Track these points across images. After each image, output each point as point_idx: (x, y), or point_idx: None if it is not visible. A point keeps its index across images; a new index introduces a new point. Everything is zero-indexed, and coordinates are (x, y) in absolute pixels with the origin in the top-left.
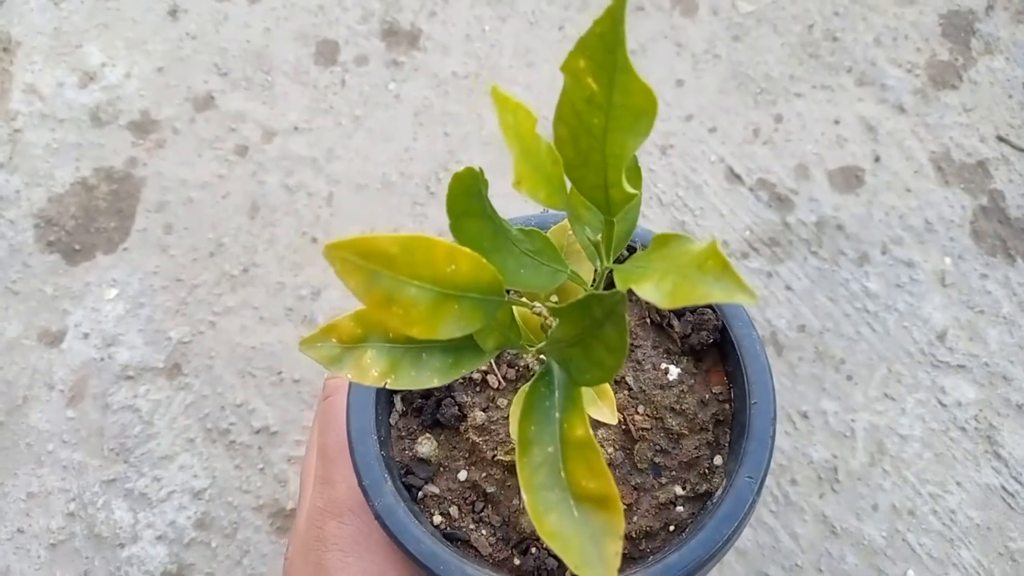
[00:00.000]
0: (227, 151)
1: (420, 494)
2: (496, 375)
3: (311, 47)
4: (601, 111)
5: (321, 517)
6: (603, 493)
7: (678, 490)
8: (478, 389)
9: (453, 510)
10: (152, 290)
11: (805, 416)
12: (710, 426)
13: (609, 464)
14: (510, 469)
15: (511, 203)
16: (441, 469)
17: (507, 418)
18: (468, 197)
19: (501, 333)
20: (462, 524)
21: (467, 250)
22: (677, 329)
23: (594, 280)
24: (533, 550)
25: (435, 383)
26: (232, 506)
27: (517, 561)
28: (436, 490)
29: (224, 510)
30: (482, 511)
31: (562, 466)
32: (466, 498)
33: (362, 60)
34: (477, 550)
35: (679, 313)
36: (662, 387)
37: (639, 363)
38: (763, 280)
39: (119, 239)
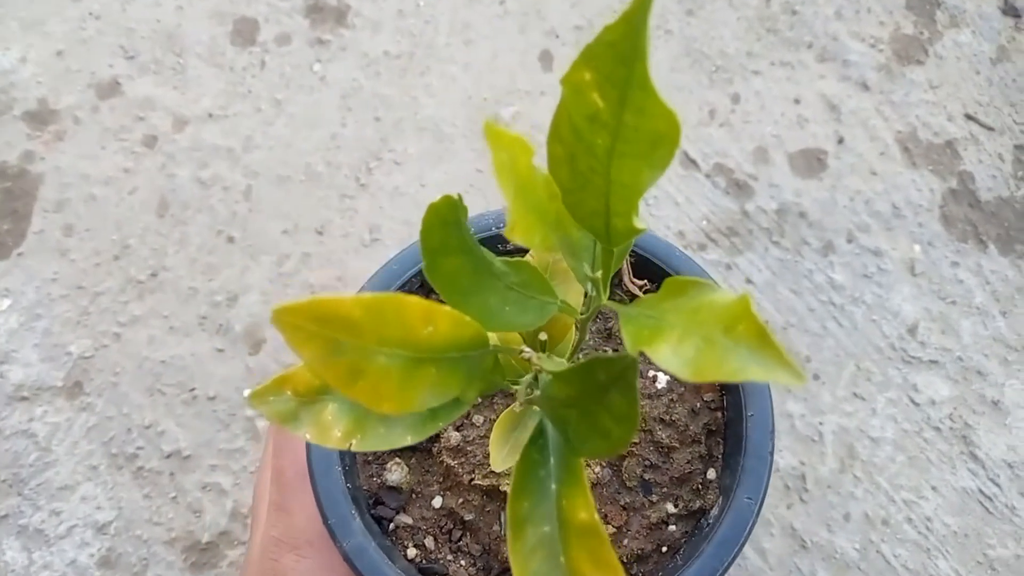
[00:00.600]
0: (134, 142)
1: (392, 526)
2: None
3: (227, 26)
4: (607, 131)
5: (277, 549)
6: None
7: (670, 508)
8: None
9: (428, 541)
10: (50, 299)
11: None
12: (702, 437)
13: (595, 484)
14: (489, 494)
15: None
16: (414, 496)
17: (484, 437)
18: (445, 229)
19: (484, 380)
20: (439, 556)
21: (446, 308)
22: None
23: (584, 311)
24: None
25: (408, 441)
26: (141, 540)
27: None
28: (409, 520)
29: (132, 545)
30: (460, 540)
31: (561, 551)
32: (442, 527)
33: (284, 39)
34: None
35: None
36: (650, 396)
37: None
38: (722, 273)
39: (13, 243)
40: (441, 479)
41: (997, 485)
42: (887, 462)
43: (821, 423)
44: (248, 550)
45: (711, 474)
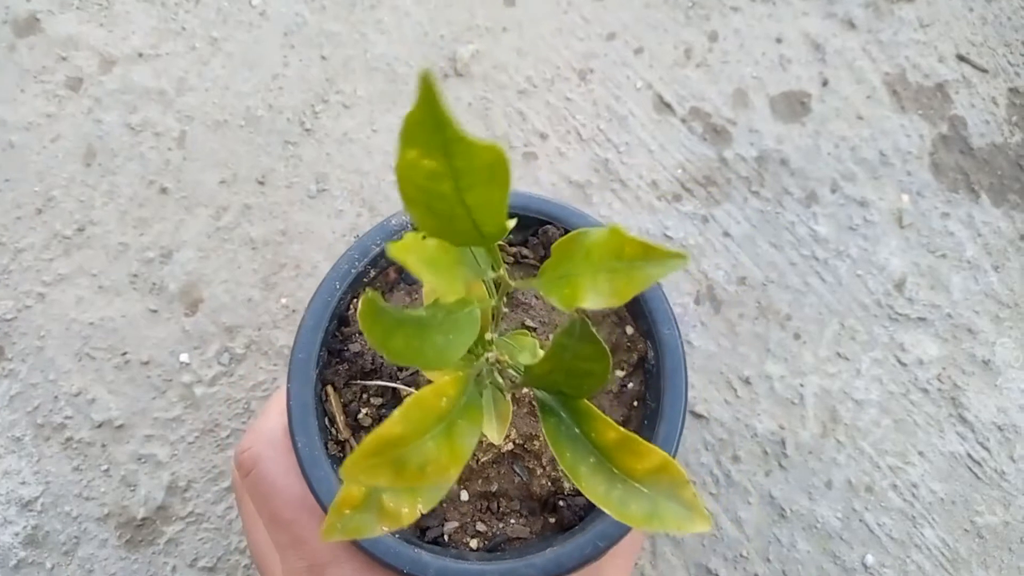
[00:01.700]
0: (56, 84)
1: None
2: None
3: None
4: (448, 178)
5: (256, 436)
6: (657, 464)
7: (619, 373)
8: None
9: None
10: None
11: (747, 382)
12: (610, 313)
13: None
14: (496, 463)
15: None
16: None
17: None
18: (380, 318)
19: (485, 392)
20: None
21: (445, 380)
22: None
23: (496, 291)
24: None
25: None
26: (71, 517)
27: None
28: (454, 525)
29: (61, 522)
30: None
31: (611, 465)
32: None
33: None
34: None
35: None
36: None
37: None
38: (698, 226)
39: None
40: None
41: (986, 449)
42: (872, 426)
43: (802, 385)
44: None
45: (629, 330)
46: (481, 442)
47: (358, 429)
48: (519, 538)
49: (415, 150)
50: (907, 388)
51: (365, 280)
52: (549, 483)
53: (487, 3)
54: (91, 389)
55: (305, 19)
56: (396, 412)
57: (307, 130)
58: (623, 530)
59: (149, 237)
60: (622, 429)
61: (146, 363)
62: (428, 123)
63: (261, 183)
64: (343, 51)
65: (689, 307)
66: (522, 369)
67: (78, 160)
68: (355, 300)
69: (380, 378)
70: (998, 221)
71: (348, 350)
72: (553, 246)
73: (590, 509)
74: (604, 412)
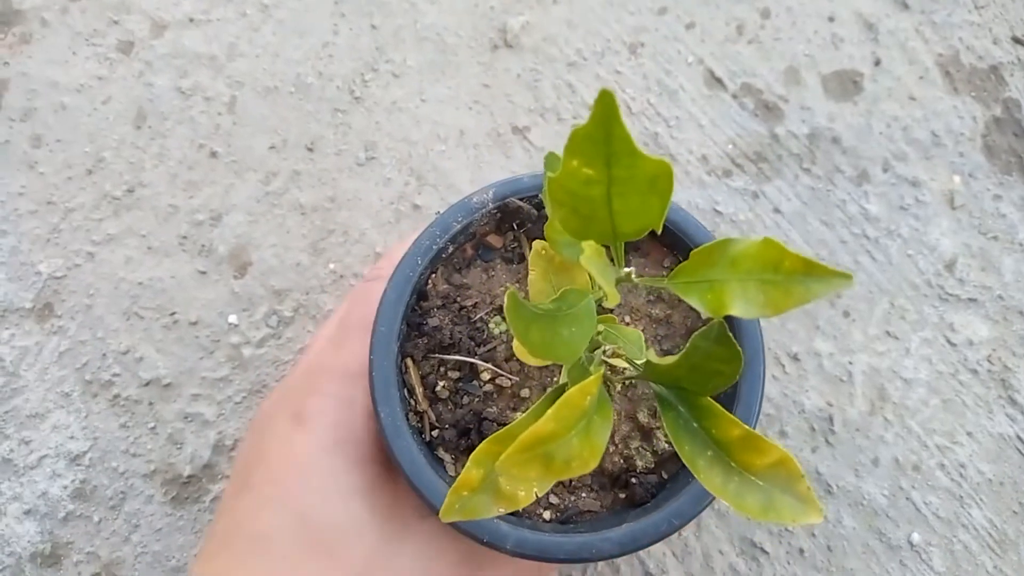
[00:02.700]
0: (108, 48)
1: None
2: (505, 375)
3: None
4: (601, 185)
5: (320, 371)
6: (776, 459)
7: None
8: (496, 395)
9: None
10: (17, 215)
11: (796, 358)
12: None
13: (626, 384)
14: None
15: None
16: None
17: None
18: (522, 310)
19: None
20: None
21: (587, 382)
22: None
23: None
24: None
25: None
26: (118, 472)
27: None
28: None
29: (108, 477)
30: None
31: (729, 459)
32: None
33: None
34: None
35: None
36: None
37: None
38: (748, 202)
39: None
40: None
41: None
42: (920, 405)
43: (851, 363)
44: (289, 373)
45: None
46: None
47: (435, 401)
48: (590, 511)
49: (577, 160)
50: (956, 368)
51: (444, 256)
52: (621, 460)
53: None
54: (139, 348)
55: None
56: (550, 411)
57: (356, 98)
58: (697, 509)
59: (199, 200)
60: (746, 427)
61: (194, 323)
62: (597, 137)
63: (310, 150)
64: (393, 20)
65: None
66: (637, 363)
67: (129, 122)
68: (433, 275)
69: (458, 352)
70: None
71: (427, 324)
72: (693, 252)
73: (662, 487)
74: None
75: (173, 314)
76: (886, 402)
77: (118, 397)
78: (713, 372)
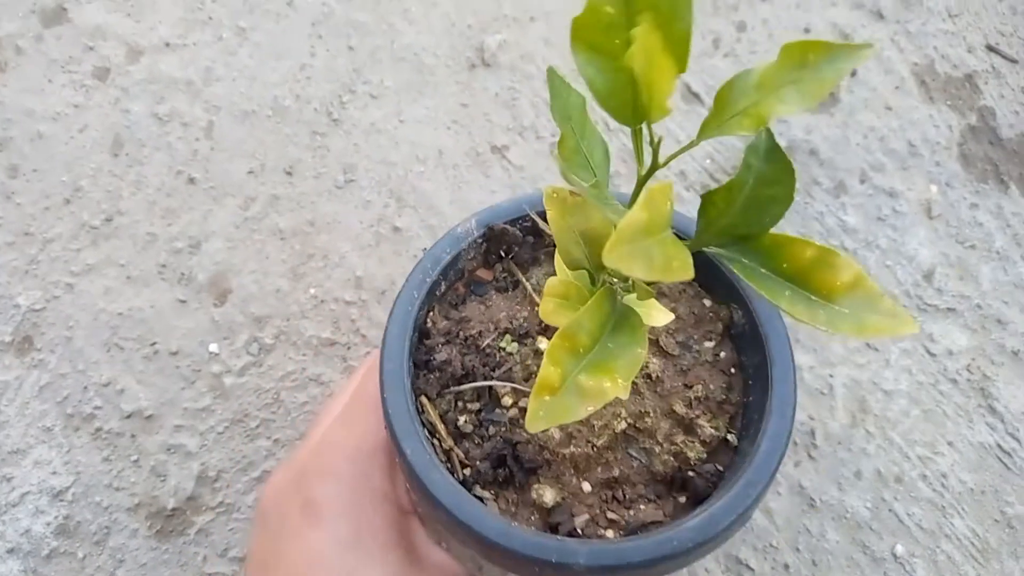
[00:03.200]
0: (84, 75)
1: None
2: (528, 394)
3: None
4: (624, 29)
5: (330, 449)
6: (852, 278)
7: (708, 344)
8: (523, 418)
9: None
10: None
11: None
12: (686, 287)
13: (650, 376)
14: (611, 445)
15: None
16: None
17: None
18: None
19: None
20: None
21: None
22: None
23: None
24: None
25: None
26: (101, 507)
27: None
28: (585, 518)
29: (92, 512)
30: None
31: (808, 293)
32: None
33: None
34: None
35: None
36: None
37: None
38: None
39: None
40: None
41: (1016, 440)
42: (901, 416)
43: (831, 375)
44: (299, 447)
45: (707, 302)
46: (592, 424)
47: (460, 437)
48: (654, 522)
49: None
50: (936, 378)
51: (437, 293)
52: (672, 458)
53: None
54: (120, 379)
55: (332, 9)
56: (639, 202)
57: (334, 120)
58: (771, 469)
59: (177, 227)
60: (818, 244)
61: (175, 353)
62: None
63: (289, 173)
64: (370, 41)
65: None
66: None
67: (106, 150)
68: (431, 313)
69: (474, 380)
70: None
71: (434, 359)
72: (715, 98)
73: (720, 477)
74: (704, 385)
75: (154, 344)
76: (867, 414)
77: (100, 430)
78: (767, 200)
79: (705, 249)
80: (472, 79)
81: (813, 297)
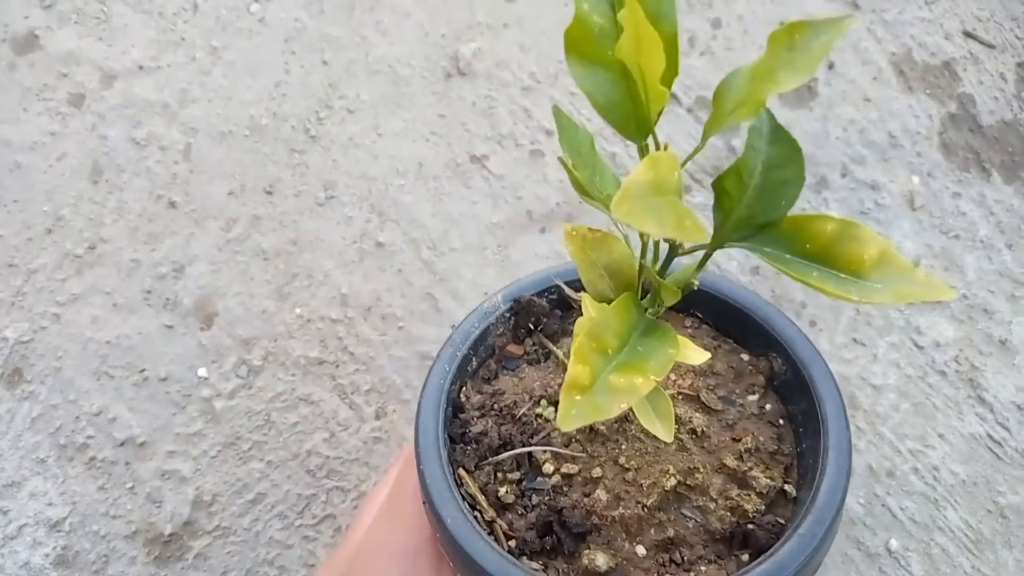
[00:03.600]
0: (59, 102)
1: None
2: (568, 459)
3: None
4: (613, 39)
5: (375, 552)
6: (879, 252)
7: (752, 398)
8: (566, 485)
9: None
10: None
11: None
12: (721, 343)
13: (695, 431)
14: (663, 505)
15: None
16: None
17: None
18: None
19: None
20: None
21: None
22: None
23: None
24: None
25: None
26: (99, 536)
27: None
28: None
29: (90, 541)
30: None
31: (837, 271)
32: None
33: None
34: None
35: None
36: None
37: None
38: (709, 217)
39: None
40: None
41: (1006, 429)
42: (891, 410)
43: None
44: (341, 546)
45: (744, 356)
46: (641, 484)
47: (502, 509)
48: None
49: (587, 4)
50: (925, 371)
51: (469, 369)
52: (728, 513)
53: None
54: (111, 407)
55: (304, 24)
56: (643, 162)
57: (312, 137)
58: (834, 510)
59: (160, 252)
60: (836, 216)
61: (164, 379)
62: None
63: (269, 193)
64: (344, 55)
65: None
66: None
67: (85, 177)
68: (464, 388)
69: (512, 448)
70: (1010, 199)
71: (470, 432)
72: (714, 95)
73: (783, 528)
74: (752, 437)
75: (143, 371)
76: (857, 410)
77: (94, 459)
78: (779, 184)
79: (729, 247)
80: (448, 89)
81: (842, 275)
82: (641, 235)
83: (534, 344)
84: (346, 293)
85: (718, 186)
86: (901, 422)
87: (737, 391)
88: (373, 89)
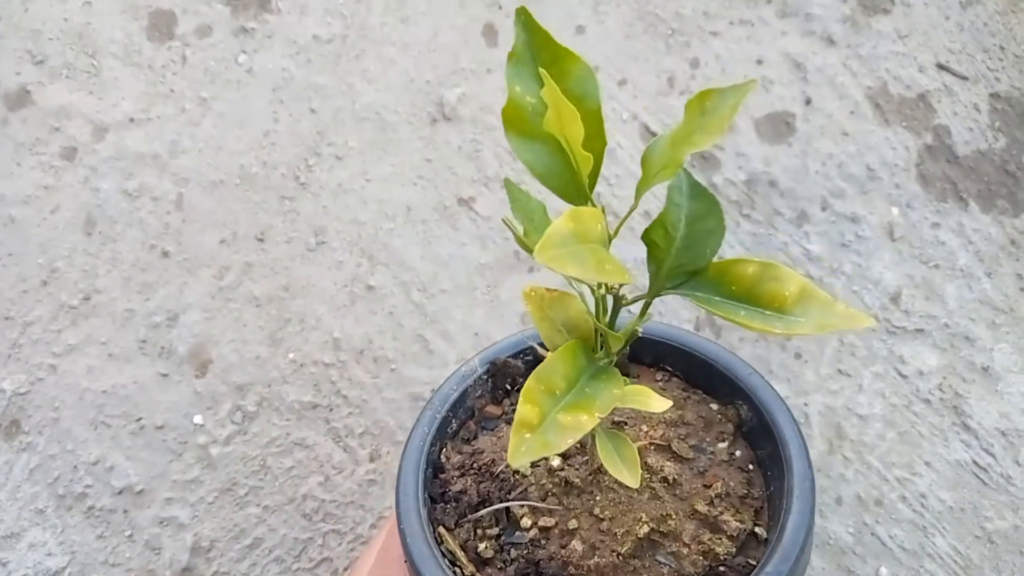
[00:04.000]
0: (52, 155)
1: None
2: (545, 512)
3: (142, 20)
4: (542, 116)
5: None
6: (799, 288)
7: (722, 445)
8: (543, 537)
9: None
10: None
11: None
12: (691, 394)
13: (667, 479)
14: (637, 553)
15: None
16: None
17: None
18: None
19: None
20: None
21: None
22: None
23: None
24: None
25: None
26: None
27: None
28: None
29: None
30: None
31: (762, 309)
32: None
33: (204, 31)
34: None
35: None
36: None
37: None
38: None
39: None
40: None
41: (991, 455)
42: (877, 440)
43: (806, 404)
44: None
45: (713, 405)
46: (615, 533)
47: (482, 564)
48: None
49: (519, 86)
50: (909, 400)
51: (449, 430)
52: (701, 558)
53: (470, 46)
54: (109, 456)
55: (292, 74)
56: (566, 214)
57: (302, 184)
58: (798, 547)
59: (154, 302)
60: (754, 259)
61: (161, 427)
62: (523, 54)
63: (261, 240)
64: (332, 103)
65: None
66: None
67: (79, 230)
68: (444, 449)
69: (490, 504)
70: (988, 228)
71: (450, 491)
72: (641, 161)
73: (753, 569)
74: (723, 483)
75: (139, 420)
76: (844, 440)
77: (92, 508)
78: (703, 235)
79: (665, 295)
80: (434, 133)
81: (767, 312)
82: (593, 291)
83: (512, 404)
84: (338, 337)
85: (647, 239)
86: (888, 451)
87: (707, 439)
88: (361, 136)
